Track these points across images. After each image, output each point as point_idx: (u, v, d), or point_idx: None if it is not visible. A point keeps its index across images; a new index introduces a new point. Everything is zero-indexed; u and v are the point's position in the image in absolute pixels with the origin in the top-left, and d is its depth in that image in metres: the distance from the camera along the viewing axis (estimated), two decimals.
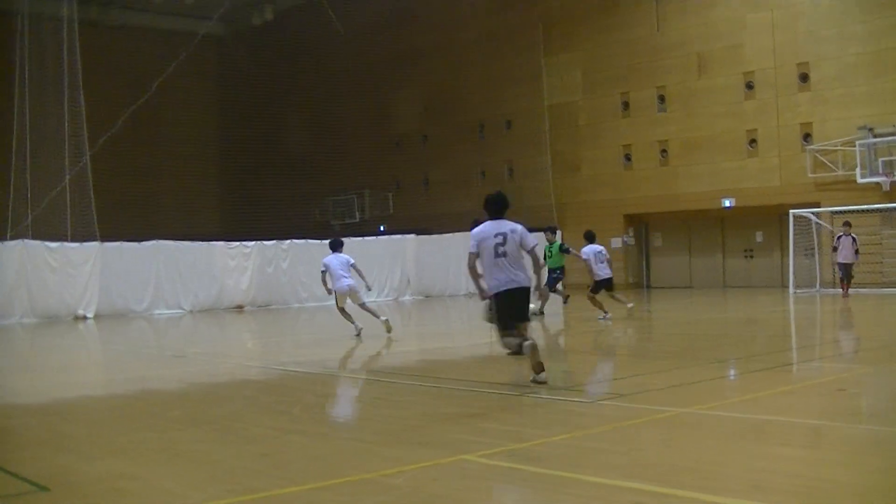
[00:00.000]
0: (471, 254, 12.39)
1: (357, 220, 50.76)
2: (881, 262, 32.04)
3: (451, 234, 38.68)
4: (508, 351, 12.77)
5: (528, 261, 12.53)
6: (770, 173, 35.98)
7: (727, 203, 37.25)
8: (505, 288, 12.13)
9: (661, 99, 39.65)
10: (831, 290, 30.99)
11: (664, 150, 39.55)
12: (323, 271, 21.09)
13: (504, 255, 12.16)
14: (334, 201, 52.65)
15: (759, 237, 38.19)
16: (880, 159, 32.55)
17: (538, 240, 25.40)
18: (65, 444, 9.55)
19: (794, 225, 32.54)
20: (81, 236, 33.08)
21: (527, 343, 11.82)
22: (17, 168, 37.58)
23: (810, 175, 34.43)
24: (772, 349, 16.97)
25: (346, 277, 20.61)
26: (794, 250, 32.69)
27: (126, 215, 47.51)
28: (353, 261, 21.06)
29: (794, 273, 32.58)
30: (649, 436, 8.81)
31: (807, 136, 34.90)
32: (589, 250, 24.47)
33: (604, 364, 15.35)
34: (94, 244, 31.63)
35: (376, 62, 52.05)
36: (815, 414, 9.84)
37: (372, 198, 51.31)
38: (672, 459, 7.74)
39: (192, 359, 17.54)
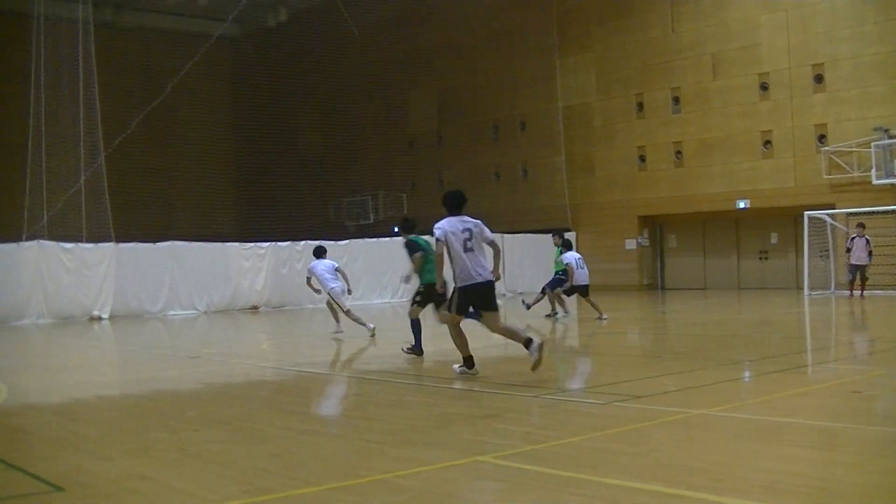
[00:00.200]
0: (439, 241, 12.99)
1: (371, 220, 50.80)
2: None
3: None
4: (442, 322, 13.65)
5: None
6: (785, 174, 35.91)
7: (742, 204, 37.20)
8: (473, 282, 12.81)
9: (676, 100, 39.62)
10: (846, 293, 30.90)
11: (679, 152, 39.52)
12: (308, 277, 21.64)
13: (472, 249, 12.91)
14: (348, 202, 52.70)
15: (773, 239, 38.12)
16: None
17: (547, 242, 25.54)
18: (79, 444, 9.58)
19: (809, 226, 32.46)
20: (96, 237, 33.18)
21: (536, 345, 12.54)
22: (32, 169, 37.71)
23: (825, 176, 34.37)
24: (786, 351, 16.94)
25: (332, 281, 20.98)
26: (809, 252, 32.62)
27: (141, 216, 47.65)
28: (337, 265, 21.59)
29: (808, 275, 32.51)
30: (664, 437, 8.80)
31: (822, 137, 34.83)
32: (570, 256, 24.79)
33: (617, 366, 15.32)
34: (110, 245, 31.71)
35: (390, 63, 52.10)
36: (830, 416, 9.81)
37: (386, 198, 51.33)
38: (686, 461, 7.74)
39: (206, 359, 17.57)
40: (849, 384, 11.91)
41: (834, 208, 33.17)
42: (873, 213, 31.31)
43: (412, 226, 17.55)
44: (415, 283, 17.12)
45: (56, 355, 20.85)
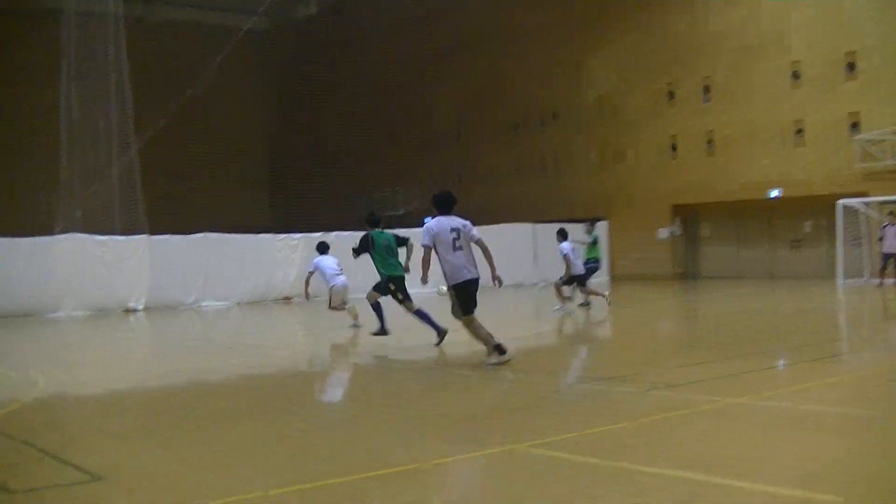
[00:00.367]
0: (425, 246, 13.57)
1: (401, 212, 50.83)
2: None
3: (498, 226, 38.61)
4: (492, 344, 13.50)
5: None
6: (817, 163, 35.67)
7: (775, 193, 37.00)
8: (463, 279, 13.46)
9: (707, 89, 39.42)
10: (877, 281, 30.73)
11: (710, 141, 39.33)
12: (311, 272, 21.69)
13: (460, 248, 13.54)
14: (379, 194, 52.73)
15: (807, 227, 37.91)
16: None
17: (581, 233, 25.53)
18: (117, 435, 9.66)
19: (843, 215, 32.28)
20: (130, 230, 33.34)
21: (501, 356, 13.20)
22: (65, 163, 37.96)
23: (858, 165, 34.12)
24: (820, 340, 16.87)
25: (340, 275, 21.12)
26: (843, 241, 32.44)
27: (174, 209, 47.87)
28: (337, 261, 21.74)
29: (842, 263, 32.35)
30: (699, 426, 8.79)
31: (854, 126, 34.57)
32: (567, 246, 24.58)
33: (651, 354, 15.30)
34: (143, 237, 31.82)
35: (417, 56, 52.22)
36: (865, 404, 9.79)
37: (416, 190, 51.32)
38: (721, 449, 7.74)
39: (240, 350, 17.64)
40: (884, 373, 11.87)
41: (867, 197, 32.94)
42: None
43: (377, 221, 17.99)
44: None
45: (91, 347, 20.98)
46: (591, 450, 7.71)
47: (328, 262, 21.66)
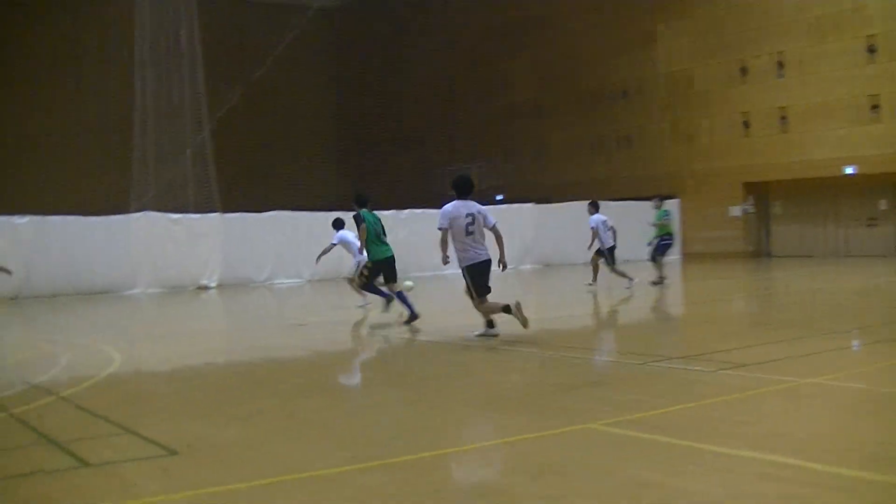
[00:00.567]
0: (442, 229, 14.26)
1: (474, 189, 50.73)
2: None
3: (570, 203, 38.55)
4: (487, 318, 14.50)
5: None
6: (893, 139, 35.13)
7: (849, 170, 36.51)
8: (474, 262, 14.18)
9: (780, 64, 38.94)
10: None
11: (783, 117, 38.86)
12: (334, 244, 21.73)
13: (472, 233, 14.20)
14: (452, 170, 52.63)
15: (882, 205, 37.38)
16: None
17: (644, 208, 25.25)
18: (191, 410, 9.79)
19: None
20: (203, 208, 33.66)
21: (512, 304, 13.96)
22: (139, 142, 38.34)
23: None
24: (894, 319, 16.68)
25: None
26: None
27: (246, 186, 48.16)
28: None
29: None
30: (772, 406, 8.72)
31: None
32: (597, 219, 24.43)
33: (723, 333, 15.19)
34: (216, 215, 32.12)
35: (490, 31, 52.00)
36: None
37: (489, 167, 51.22)
38: (794, 429, 7.69)
39: (313, 327, 17.76)
40: None
41: None
42: None
43: (364, 201, 18.53)
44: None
45: (166, 324, 21.23)
46: (666, 429, 7.69)
47: (351, 236, 21.65)
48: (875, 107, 35.67)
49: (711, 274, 24.92)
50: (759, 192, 40.93)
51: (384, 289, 18.30)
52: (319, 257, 22.53)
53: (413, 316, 17.08)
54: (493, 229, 14.49)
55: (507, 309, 13.99)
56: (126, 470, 7.02)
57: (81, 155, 48.09)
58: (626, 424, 7.85)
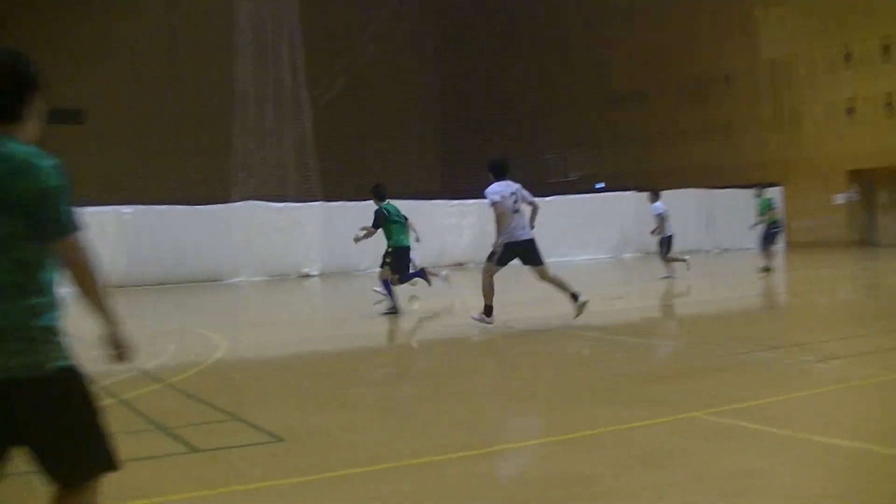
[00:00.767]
0: (496, 204, 14.45)
1: (574, 177, 50.52)
2: None
3: (671, 191, 38.20)
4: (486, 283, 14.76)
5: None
6: None
7: None
8: (516, 239, 14.50)
9: (886, 49, 38.15)
10: None
11: (889, 103, 38.09)
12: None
13: (517, 210, 14.58)
14: (552, 158, 52.46)
15: None
16: None
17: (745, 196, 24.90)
18: (297, 397, 9.88)
19: None
20: (305, 196, 33.93)
21: (581, 300, 14.59)
22: (241, 132, 38.78)
23: None
24: None
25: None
26: None
27: (348, 175, 48.47)
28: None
29: None
30: (875, 397, 8.60)
31: None
32: (661, 206, 24.14)
33: (824, 323, 14.97)
34: (318, 204, 32.34)
35: (592, 17, 51.68)
36: None
37: (589, 154, 50.96)
38: (893, 421, 7.57)
39: (412, 315, 17.81)
40: None
41: None
42: None
43: (383, 195, 18.55)
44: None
45: (269, 312, 21.46)
46: (770, 418, 7.58)
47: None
48: None
49: (814, 263, 24.55)
50: (864, 180, 40.14)
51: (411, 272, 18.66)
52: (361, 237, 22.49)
53: (394, 309, 17.47)
54: (532, 203, 15.04)
55: (488, 308, 14.54)
56: (234, 456, 7.10)
57: (185, 145, 48.75)
58: (727, 414, 7.77)
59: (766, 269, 24.38)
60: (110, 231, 27.49)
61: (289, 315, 18.30)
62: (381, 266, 18.25)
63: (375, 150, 56.21)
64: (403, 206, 32.96)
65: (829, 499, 5.49)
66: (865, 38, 38.74)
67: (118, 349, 4.07)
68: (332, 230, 31.23)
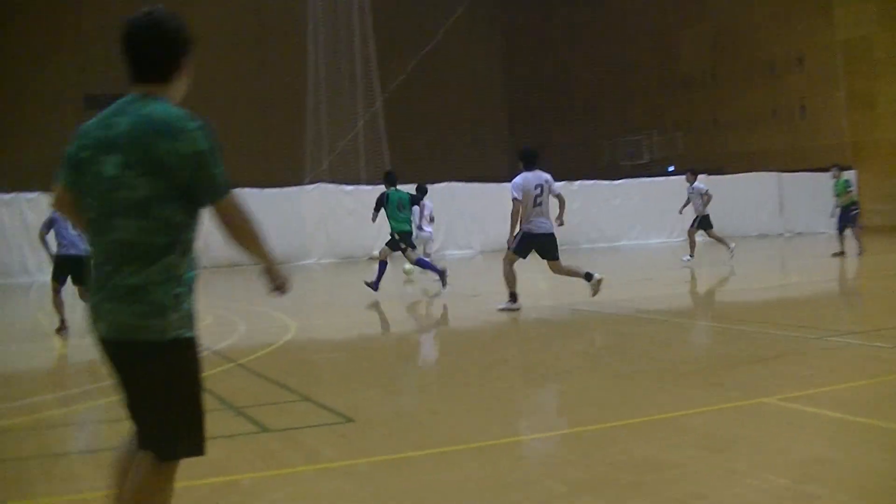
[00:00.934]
0: (516, 200, 14.69)
1: (645, 160, 50.20)
2: None
3: (743, 175, 37.93)
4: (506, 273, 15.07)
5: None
6: None
7: None
8: (538, 231, 14.74)
9: None
10: None
11: None
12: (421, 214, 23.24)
13: (540, 204, 14.74)
14: (622, 141, 52.14)
15: None
16: None
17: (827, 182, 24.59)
18: (366, 378, 9.94)
19: None
20: (375, 180, 34.03)
21: (596, 278, 14.99)
22: (312, 116, 38.95)
23: None
24: None
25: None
26: None
27: (417, 158, 48.58)
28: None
29: None
30: None
31: None
32: (704, 187, 23.92)
33: None
34: None
35: (663, 0, 51.28)
36: None
37: (660, 137, 50.61)
38: None
39: (485, 297, 17.80)
40: None
41: None
42: None
43: (393, 180, 19.62)
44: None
45: (339, 294, 21.58)
46: (842, 405, 7.52)
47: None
48: None
49: (888, 248, 24.18)
50: None
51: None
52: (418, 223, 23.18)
53: (375, 285, 18.75)
54: (558, 196, 15.28)
55: (512, 295, 14.88)
56: (305, 436, 7.16)
57: (257, 129, 49.05)
58: (800, 400, 7.71)
59: (840, 254, 24.06)
60: None
61: (358, 297, 18.34)
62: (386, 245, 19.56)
63: (444, 134, 56.24)
64: (471, 189, 33.26)
65: None
66: None
67: (278, 283, 4.30)
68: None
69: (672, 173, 42.42)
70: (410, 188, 32.27)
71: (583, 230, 34.55)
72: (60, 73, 46.60)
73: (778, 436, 6.66)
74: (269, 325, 14.63)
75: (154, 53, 3.95)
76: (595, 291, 14.94)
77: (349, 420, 7.61)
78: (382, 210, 19.25)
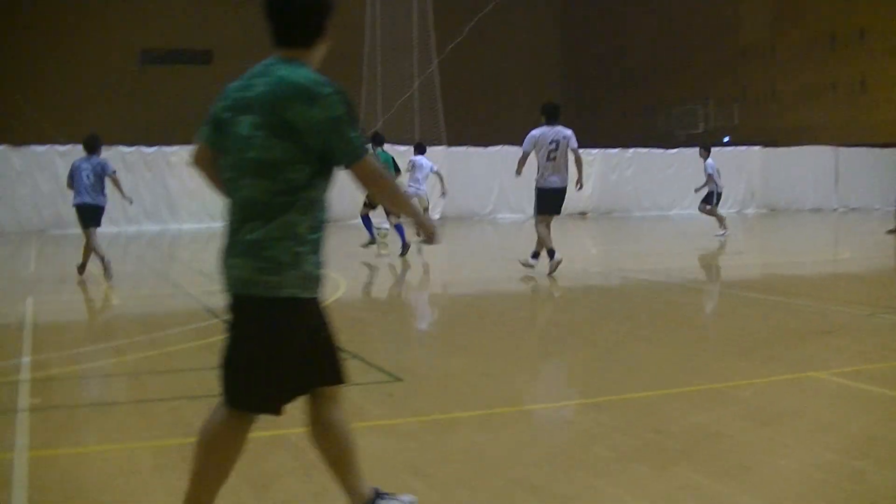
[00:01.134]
0: (525, 153, 15.19)
1: (700, 130, 49.81)
2: None
3: (800, 147, 37.56)
4: (548, 247, 15.02)
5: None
6: None
7: None
8: (548, 186, 15.11)
9: None
10: None
11: None
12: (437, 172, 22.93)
13: (554, 159, 15.00)
14: (678, 111, 51.78)
15: None
16: None
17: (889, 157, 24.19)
18: (415, 338, 10.00)
19: None
20: (429, 140, 34.01)
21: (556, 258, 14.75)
22: (368, 75, 38.95)
23: None
24: None
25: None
26: None
27: (472, 120, 48.49)
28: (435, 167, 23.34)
29: None
30: None
31: None
32: (712, 165, 23.62)
33: None
34: (441, 148, 32.40)
35: None
36: None
37: (716, 108, 50.19)
38: None
39: (541, 264, 17.78)
40: None
41: None
42: None
43: (380, 141, 20.45)
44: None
45: (384, 256, 21.63)
46: (891, 382, 7.50)
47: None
48: None
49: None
50: None
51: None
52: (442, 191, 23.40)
53: (371, 241, 20.00)
54: (575, 152, 15.17)
55: (550, 252, 14.80)
56: (353, 394, 7.16)
57: None
58: (850, 375, 7.66)
59: (895, 231, 23.78)
60: None
61: (408, 260, 18.39)
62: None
63: (496, 98, 56.12)
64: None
65: None
66: None
67: (428, 233, 4.35)
68: (454, 175, 31.29)
69: (727, 144, 42.13)
70: (462, 150, 32.46)
71: (635, 197, 34.42)
72: (116, 28, 46.84)
73: (827, 410, 6.63)
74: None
75: (297, 19, 4.02)
76: (552, 270, 14.72)
77: (397, 379, 7.65)
78: None
